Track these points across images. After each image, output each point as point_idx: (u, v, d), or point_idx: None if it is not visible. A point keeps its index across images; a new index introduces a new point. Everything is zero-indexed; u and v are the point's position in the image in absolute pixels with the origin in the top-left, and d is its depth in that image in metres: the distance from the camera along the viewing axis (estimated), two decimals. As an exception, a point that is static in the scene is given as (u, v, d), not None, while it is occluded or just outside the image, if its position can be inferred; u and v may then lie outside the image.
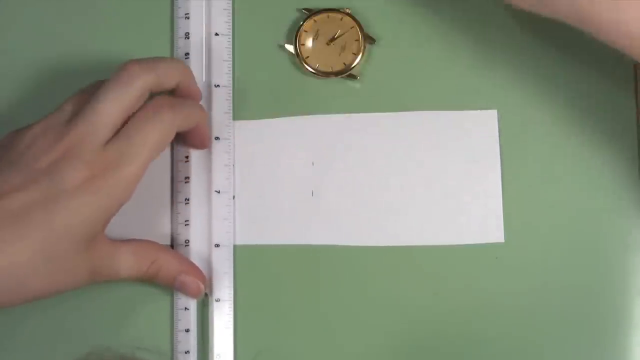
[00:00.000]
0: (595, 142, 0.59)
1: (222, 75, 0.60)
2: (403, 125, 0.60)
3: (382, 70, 0.60)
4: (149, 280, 0.57)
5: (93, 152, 0.53)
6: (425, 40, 0.60)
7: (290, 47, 0.60)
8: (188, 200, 0.60)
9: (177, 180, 0.60)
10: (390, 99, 0.60)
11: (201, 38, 0.60)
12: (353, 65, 0.60)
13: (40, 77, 0.61)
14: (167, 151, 0.60)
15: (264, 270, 0.60)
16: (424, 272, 0.59)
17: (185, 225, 0.59)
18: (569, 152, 0.59)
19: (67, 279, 0.54)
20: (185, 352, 0.58)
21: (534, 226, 0.59)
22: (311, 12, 0.60)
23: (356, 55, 0.60)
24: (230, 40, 0.61)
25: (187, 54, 0.60)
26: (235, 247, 0.60)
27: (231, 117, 0.60)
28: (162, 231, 0.60)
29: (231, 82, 0.60)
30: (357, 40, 0.60)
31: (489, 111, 0.60)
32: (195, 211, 0.59)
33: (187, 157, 0.60)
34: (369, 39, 0.60)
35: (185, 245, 0.59)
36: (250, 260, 0.60)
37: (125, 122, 0.54)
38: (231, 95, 0.60)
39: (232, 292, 0.59)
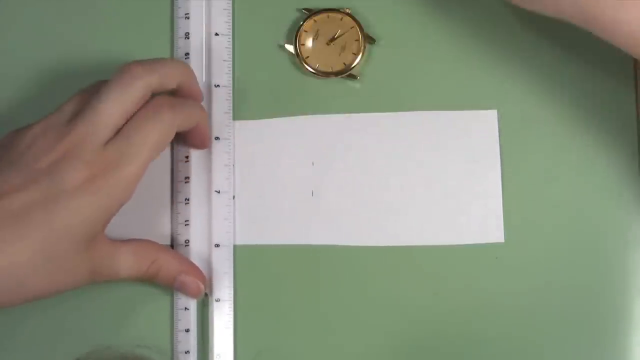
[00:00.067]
0: (596, 142, 0.59)
1: (222, 75, 0.60)
2: (403, 125, 0.60)
3: (382, 70, 0.60)
4: (149, 280, 0.57)
5: (93, 152, 0.53)
6: (425, 40, 0.60)
7: (290, 47, 0.60)
8: (188, 200, 0.60)
9: (177, 180, 0.60)
10: (390, 99, 0.60)
11: (201, 38, 0.60)
12: (353, 65, 0.60)
13: (40, 77, 0.61)
14: (167, 151, 0.60)
15: (264, 270, 0.60)
16: (424, 272, 0.59)
17: (185, 225, 0.59)
18: (569, 152, 0.59)
19: (67, 279, 0.54)
20: (185, 352, 0.58)
21: (534, 226, 0.59)
22: (311, 12, 0.61)
23: (356, 55, 0.60)
24: (230, 40, 0.61)
25: (187, 54, 0.60)
26: (235, 247, 0.60)
27: (231, 117, 0.60)
28: (162, 231, 0.60)
29: (231, 82, 0.60)
30: (357, 40, 0.60)
31: (489, 111, 0.60)
32: (195, 211, 0.59)
33: (187, 157, 0.60)
34: (369, 39, 0.60)
35: (185, 245, 0.59)
36: (250, 260, 0.60)
37: (126, 123, 0.54)
38: (231, 95, 0.60)
39: (232, 292, 0.59)
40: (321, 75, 0.60)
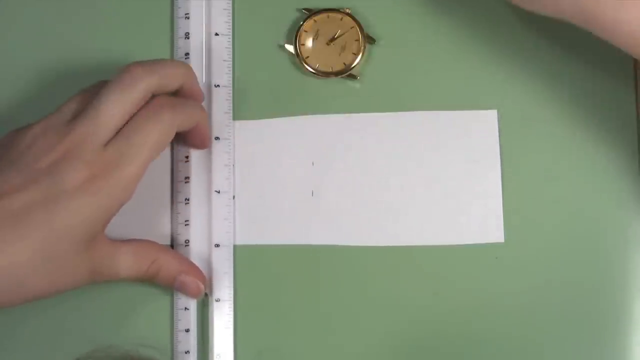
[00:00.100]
0: (596, 142, 0.59)
1: (222, 75, 0.60)
2: (403, 125, 0.60)
3: (382, 70, 0.60)
4: (149, 280, 0.57)
5: (93, 153, 0.53)
6: (425, 40, 0.60)
7: (290, 47, 0.60)
8: (188, 200, 0.60)
9: (177, 180, 0.60)
10: (390, 99, 0.60)
11: (201, 38, 0.60)
12: (353, 65, 0.60)
13: (40, 77, 0.61)
14: (167, 151, 0.60)
15: (264, 270, 0.60)
16: (424, 272, 0.59)
17: (185, 225, 0.59)
18: (569, 152, 0.59)
19: (67, 279, 0.53)
20: (185, 352, 0.58)
21: (534, 226, 0.59)
22: (311, 12, 0.61)
23: (356, 55, 0.60)
24: (230, 40, 0.61)
25: (187, 54, 0.60)
26: (235, 247, 0.60)
27: (231, 117, 0.60)
28: (162, 231, 0.60)
29: (231, 82, 0.60)
30: (357, 40, 0.60)
31: (489, 111, 0.60)
32: (195, 211, 0.59)
33: (187, 157, 0.60)
34: (369, 39, 0.60)
35: (185, 245, 0.59)
36: (250, 260, 0.60)
37: (126, 123, 0.54)
38: (231, 95, 0.60)
39: (232, 292, 0.59)
40: (321, 75, 0.60)
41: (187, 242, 0.59)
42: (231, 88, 0.60)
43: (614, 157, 0.59)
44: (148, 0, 0.61)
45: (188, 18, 0.60)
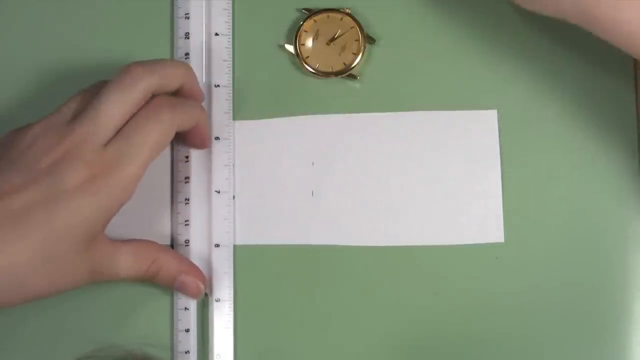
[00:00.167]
0: (596, 142, 0.59)
1: (222, 75, 0.60)
2: (403, 125, 0.60)
3: (382, 70, 0.60)
4: (149, 280, 0.57)
5: (94, 153, 0.53)
6: (425, 40, 0.60)
7: (290, 47, 0.60)
8: (188, 200, 0.60)
9: (177, 180, 0.60)
10: (390, 99, 0.60)
11: (201, 38, 0.60)
12: (353, 65, 0.60)
13: (40, 77, 0.61)
14: (167, 151, 0.60)
15: (264, 270, 0.59)
16: (424, 272, 0.59)
17: (185, 225, 0.59)
18: (569, 152, 0.59)
19: (67, 279, 0.53)
20: (185, 352, 0.58)
21: (534, 226, 0.59)
22: (311, 12, 0.61)
23: (356, 55, 0.60)
24: (230, 40, 0.61)
25: (187, 54, 0.60)
26: (235, 247, 0.60)
27: (231, 117, 0.60)
28: (162, 231, 0.60)
29: (231, 82, 0.60)
30: (357, 40, 0.60)
31: (489, 111, 0.60)
32: (195, 211, 0.59)
33: (187, 157, 0.60)
34: (369, 39, 0.60)
35: (185, 245, 0.59)
36: (250, 260, 0.60)
37: (126, 123, 0.54)
38: (231, 95, 0.60)
39: (232, 292, 0.59)
40: (321, 75, 0.60)
41: (187, 242, 0.59)
42: (231, 88, 0.60)
43: (614, 157, 0.59)
44: (148, 0, 0.61)
45: (188, 18, 0.60)
